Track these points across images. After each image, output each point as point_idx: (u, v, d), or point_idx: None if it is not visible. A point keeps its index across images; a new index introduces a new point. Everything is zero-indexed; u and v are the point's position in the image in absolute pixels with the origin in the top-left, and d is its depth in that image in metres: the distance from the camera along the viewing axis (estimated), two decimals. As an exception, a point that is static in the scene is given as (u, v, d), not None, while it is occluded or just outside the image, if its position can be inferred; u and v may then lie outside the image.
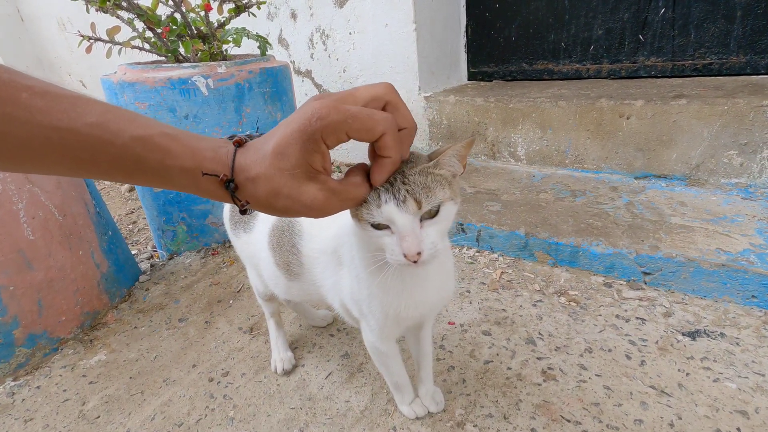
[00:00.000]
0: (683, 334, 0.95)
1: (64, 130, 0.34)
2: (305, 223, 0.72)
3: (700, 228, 1.15)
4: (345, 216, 0.54)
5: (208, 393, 0.94)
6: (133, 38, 1.33)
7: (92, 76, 3.33)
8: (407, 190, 0.47)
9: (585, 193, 1.44)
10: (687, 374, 0.85)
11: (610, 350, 0.93)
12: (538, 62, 1.95)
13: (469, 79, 2.16)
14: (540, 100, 1.60)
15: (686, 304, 1.04)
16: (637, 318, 1.01)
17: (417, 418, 0.81)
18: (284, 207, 0.42)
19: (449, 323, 1.06)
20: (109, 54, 1.32)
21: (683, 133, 1.37)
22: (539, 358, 0.93)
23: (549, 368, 0.90)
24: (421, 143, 1.98)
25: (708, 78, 1.60)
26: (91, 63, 3.16)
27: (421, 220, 0.49)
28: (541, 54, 1.93)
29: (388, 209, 0.47)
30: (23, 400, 0.97)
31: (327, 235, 0.68)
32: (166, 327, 1.17)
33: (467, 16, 2.03)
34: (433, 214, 0.49)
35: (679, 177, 1.42)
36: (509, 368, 0.91)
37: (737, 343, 0.90)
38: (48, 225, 1.06)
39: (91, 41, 1.28)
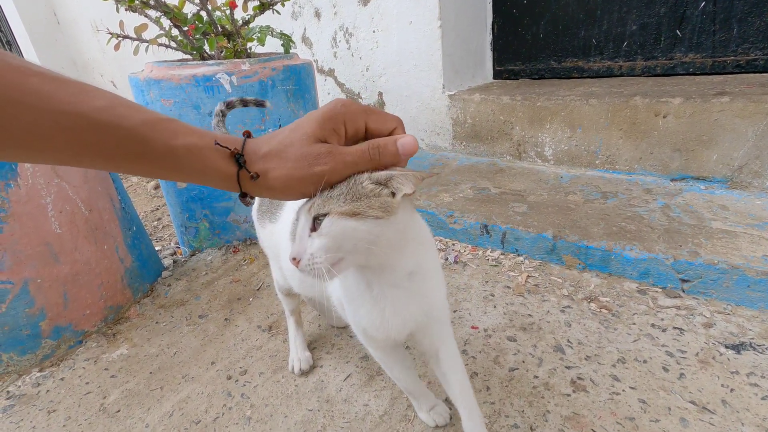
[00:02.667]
0: (726, 347, 0.88)
1: (72, 114, 0.34)
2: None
3: (743, 233, 1.08)
4: None
5: (226, 391, 0.93)
6: (159, 36, 1.34)
7: (122, 77, 3.43)
8: (319, 196, 0.46)
9: (617, 195, 1.37)
10: (731, 390, 0.78)
11: (645, 361, 0.87)
12: (567, 60, 1.88)
13: (494, 78, 2.11)
14: (569, 99, 1.54)
15: (729, 314, 0.97)
16: (675, 328, 0.95)
17: (437, 427, 0.78)
18: (291, 176, 0.43)
19: (472, 327, 1.02)
20: (136, 51, 1.33)
21: (725, 132, 1.29)
22: (568, 367, 0.88)
23: (579, 378, 0.85)
24: (443, 142, 1.94)
25: (752, 75, 1.50)
26: (121, 64, 3.25)
27: (316, 228, 0.46)
28: (571, 51, 1.86)
29: (298, 211, 0.49)
30: (48, 391, 0.99)
31: None
32: (187, 323, 1.17)
33: (494, 14, 1.98)
34: (318, 228, 0.46)
35: (720, 179, 1.33)
36: (536, 376, 0.87)
37: (788, 358, 0.84)
38: (75, 219, 1.08)
39: (119, 39, 1.30)
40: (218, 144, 0.42)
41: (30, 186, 0.98)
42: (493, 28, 2.01)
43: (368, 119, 0.46)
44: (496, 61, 2.07)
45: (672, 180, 1.41)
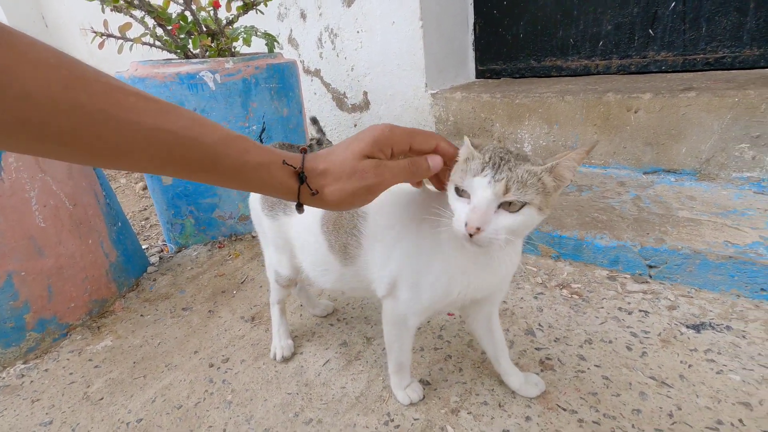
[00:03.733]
0: (687, 327, 0.92)
1: (164, 131, 0.39)
2: (371, 205, 0.72)
3: (708, 221, 1.12)
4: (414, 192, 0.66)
5: (208, 378, 0.95)
6: (143, 35, 1.37)
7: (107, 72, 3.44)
8: (507, 175, 0.50)
9: (591, 187, 1.42)
10: (689, 366, 0.82)
11: (610, 341, 0.91)
12: (546, 59, 1.94)
13: (477, 77, 2.16)
14: (546, 96, 1.58)
15: (692, 297, 1.01)
16: (641, 311, 0.99)
17: (411, 404, 0.81)
18: (344, 190, 0.50)
19: (449, 314, 1.05)
20: (120, 50, 1.36)
21: (692, 126, 1.34)
22: (538, 349, 0.92)
23: (547, 358, 0.89)
24: (427, 140, 1.98)
25: (720, 72, 1.56)
26: (110, 66, 3.26)
27: (499, 207, 0.51)
28: (550, 50, 1.91)
29: (479, 181, 0.51)
30: (31, 381, 1.00)
31: (397, 210, 0.69)
32: (171, 315, 1.19)
33: (475, 14, 2.03)
34: (514, 210, 0.51)
35: (689, 171, 1.38)
36: (507, 358, 0.90)
37: (744, 336, 0.88)
38: (59, 213, 1.10)
39: (104, 38, 1.32)
40: (285, 163, 0.48)
41: (14, 180, 1.00)
42: (474, 29, 2.06)
43: (413, 141, 0.54)
44: (479, 60, 2.12)
45: (644, 173, 1.46)
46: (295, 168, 0.48)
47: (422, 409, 0.81)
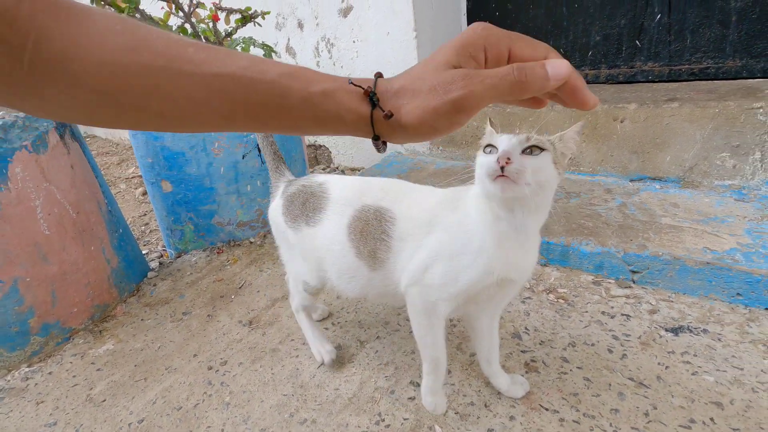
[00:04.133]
0: (666, 330, 0.96)
1: (223, 75, 0.37)
2: (399, 209, 0.77)
3: (689, 228, 1.17)
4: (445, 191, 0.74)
5: (207, 380, 0.99)
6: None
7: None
8: (528, 134, 0.60)
9: (579, 194, 1.46)
10: (666, 367, 0.87)
11: (593, 344, 0.95)
12: (537, 68, 1.98)
13: (470, 85, 2.20)
14: (536, 105, 1.63)
15: (672, 301, 1.05)
16: (623, 315, 1.03)
17: (433, 413, 0.82)
18: (424, 107, 0.40)
19: (439, 318, 1.09)
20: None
21: (676, 135, 1.39)
22: (523, 351, 0.96)
23: (532, 360, 0.93)
24: (421, 147, 2.02)
25: (704, 82, 1.61)
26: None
27: (522, 153, 0.59)
28: (541, 60, 1.96)
29: (505, 136, 0.61)
30: (36, 384, 1.04)
31: (426, 207, 0.75)
32: (171, 320, 1.23)
33: (468, 24, 2.08)
34: (536, 154, 0.59)
35: (674, 179, 1.43)
36: (494, 360, 0.94)
37: (719, 339, 0.92)
38: (63, 221, 1.13)
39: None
40: (352, 83, 0.41)
41: (20, 189, 1.04)
42: (468, 38, 2.10)
43: (513, 45, 0.41)
44: (472, 69, 2.16)
45: (631, 180, 1.51)
46: (364, 89, 0.41)
47: (412, 408, 0.84)
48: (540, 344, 0.97)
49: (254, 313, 1.22)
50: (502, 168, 0.56)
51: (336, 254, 0.82)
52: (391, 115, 0.41)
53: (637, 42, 1.71)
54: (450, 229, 0.70)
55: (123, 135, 3.70)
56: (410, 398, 0.87)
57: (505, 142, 0.59)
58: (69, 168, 1.17)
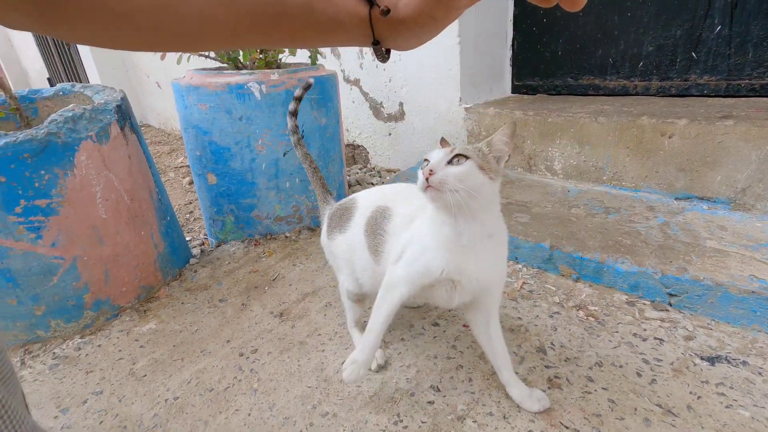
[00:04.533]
0: (702, 358, 0.93)
1: None
2: (395, 208, 0.86)
3: (736, 253, 1.11)
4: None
5: (238, 365, 1.04)
6: (200, 47, 1.50)
7: (166, 79, 3.68)
8: (452, 147, 0.69)
9: (619, 210, 1.42)
10: (698, 397, 0.83)
11: (621, 366, 0.93)
12: (583, 77, 1.93)
13: (513, 92, 2.18)
14: (579, 116, 1.59)
15: (711, 329, 1.01)
16: (656, 338, 1.00)
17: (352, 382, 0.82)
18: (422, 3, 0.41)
19: (464, 326, 1.10)
20: (179, 61, 1.49)
21: (729, 154, 1.31)
22: (547, 366, 0.95)
23: (556, 377, 0.92)
24: (459, 153, 2.02)
25: (765, 99, 1.52)
26: (165, 66, 3.50)
27: (448, 163, 0.67)
28: (588, 69, 1.91)
29: (434, 152, 0.70)
30: (86, 355, 1.13)
31: (413, 206, 0.84)
32: (208, 306, 1.30)
33: (514, 30, 2.05)
34: (460, 163, 0.66)
35: (723, 200, 1.36)
36: (516, 372, 0.93)
37: (759, 373, 0.87)
38: (118, 207, 1.23)
39: (166, 49, 1.46)
40: None
41: (83, 176, 1.14)
42: (513, 45, 2.08)
43: None
44: (515, 76, 2.14)
45: (676, 199, 1.44)
46: None
47: (430, 412, 0.86)
48: (565, 361, 0.96)
49: (285, 305, 1.27)
50: (427, 179, 0.65)
51: (358, 251, 0.91)
52: (388, 10, 0.41)
53: (693, 54, 1.63)
54: (417, 227, 0.79)
55: (175, 126, 3.90)
56: (429, 402, 0.88)
57: (433, 155, 0.68)
58: (126, 158, 1.26)
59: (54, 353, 1.15)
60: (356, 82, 2.29)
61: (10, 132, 1.04)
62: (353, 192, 1.97)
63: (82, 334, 1.21)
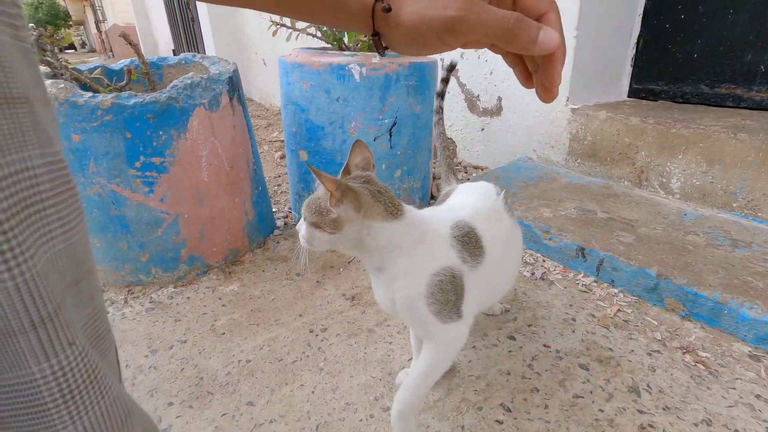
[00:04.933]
0: None
1: None
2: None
3: None
4: None
5: (307, 341, 1.06)
6: (309, 26, 1.53)
7: (272, 56, 3.89)
8: (305, 202, 0.68)
9: (750, 245, 1.20)
10: (842, 492, 0.67)
11: (736, 430, 0.78)
12: (722, 85, 1.66)
13: (629, 96, 1.95)
14: (713, 129, 1.37)
15: None
16: (787, 406, 0.83)
17: None
18: (422, 14, 0.41)
19: (544, 345, 1.01)
20: (288, 38, 1.54)
21: None
22: (640, 411, 0.83)
23: (650, 425, 0.80)
24: (556, 156, 1.87)
25: None
26: (273, 44, 3.69)
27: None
28: (729, 76, 1.64)
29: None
30: (177, 304, 1.23)
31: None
32: (286, 277, 1.35)
33: (642, 27, 1.82)
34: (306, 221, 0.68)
35: None
36: (601, 410, 0.84)
37: None
38: (219, 172, 1.31)
39: (278, 26, 1.51)
40: None
41: (193, 140, 1.22)
42: (637, 43, 1.85)
43: None
44: (635, 78, 1.91)
45: (832, 242, 1.19)
46: None
47: (497, 430, 0.80)
48: (663, 410, 0.83)
49: (358, 290, 1.27)
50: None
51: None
52: (390, 8, 0.42)
53: None
54: None
55: (274, 102, 4.13)
56: (498, 421, 0.82)
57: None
58: (231, 127, 1.34)
59: (151, 297, 1.26)
60: (454, 72, 2.21)
61: (139, 93, 1.15)
62: (435, 185, 1.92)
63: (175, 285, 1.32)
